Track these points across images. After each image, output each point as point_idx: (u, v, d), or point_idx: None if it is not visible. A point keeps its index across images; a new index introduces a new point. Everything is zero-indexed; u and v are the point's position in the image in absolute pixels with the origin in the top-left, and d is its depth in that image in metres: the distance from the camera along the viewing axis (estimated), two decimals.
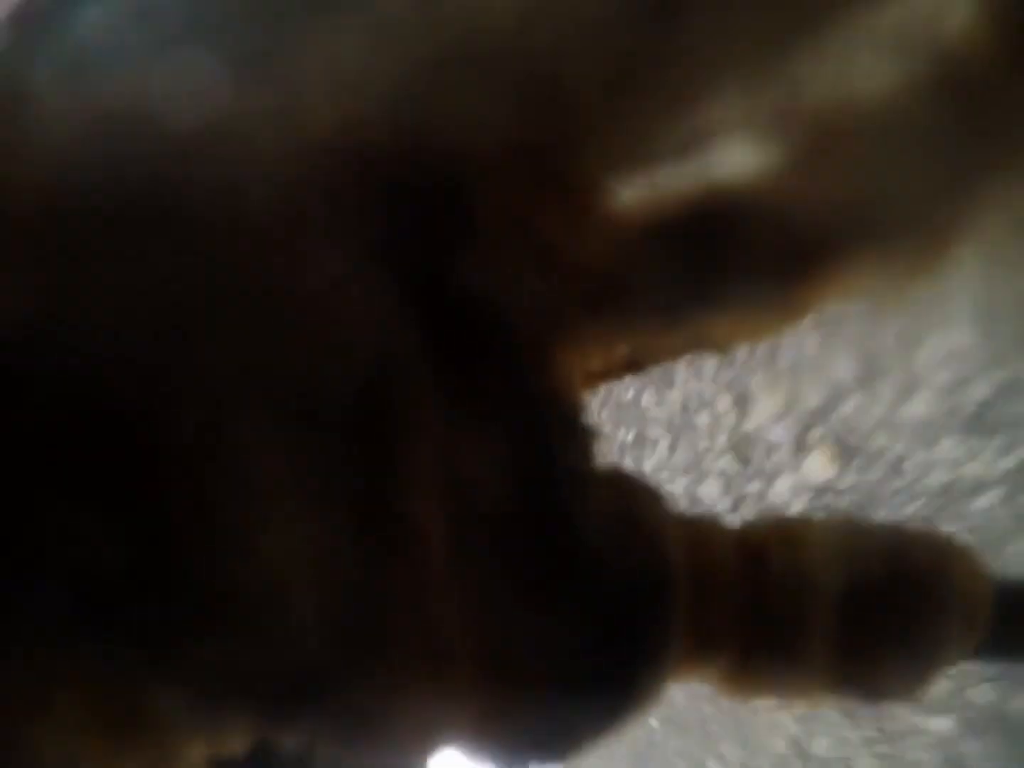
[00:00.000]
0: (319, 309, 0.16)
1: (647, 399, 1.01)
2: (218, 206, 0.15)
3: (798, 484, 0.85)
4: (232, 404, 0.15)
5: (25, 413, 0.14)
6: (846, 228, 0.19)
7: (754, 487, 0.90)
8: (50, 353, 0.14)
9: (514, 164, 0.17)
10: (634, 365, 0.20)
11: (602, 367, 0.20)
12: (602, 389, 0.20)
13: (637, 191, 0.18)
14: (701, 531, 0.21)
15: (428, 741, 0.18)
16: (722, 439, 0.91)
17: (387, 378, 0.16)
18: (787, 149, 0.19)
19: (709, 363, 0.87)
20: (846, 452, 0.79)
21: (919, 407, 0.72)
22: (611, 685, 0.19)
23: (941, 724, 0.78)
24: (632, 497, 0.20)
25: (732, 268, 0.19)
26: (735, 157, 0.18)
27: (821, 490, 0.83)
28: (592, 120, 0.17)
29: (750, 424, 0.87)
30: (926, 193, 0.19)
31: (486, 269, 0.17)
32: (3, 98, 0.16)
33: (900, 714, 0.83)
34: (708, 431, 0.93)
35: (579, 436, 0.19)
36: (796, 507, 0.85)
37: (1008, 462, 0.69)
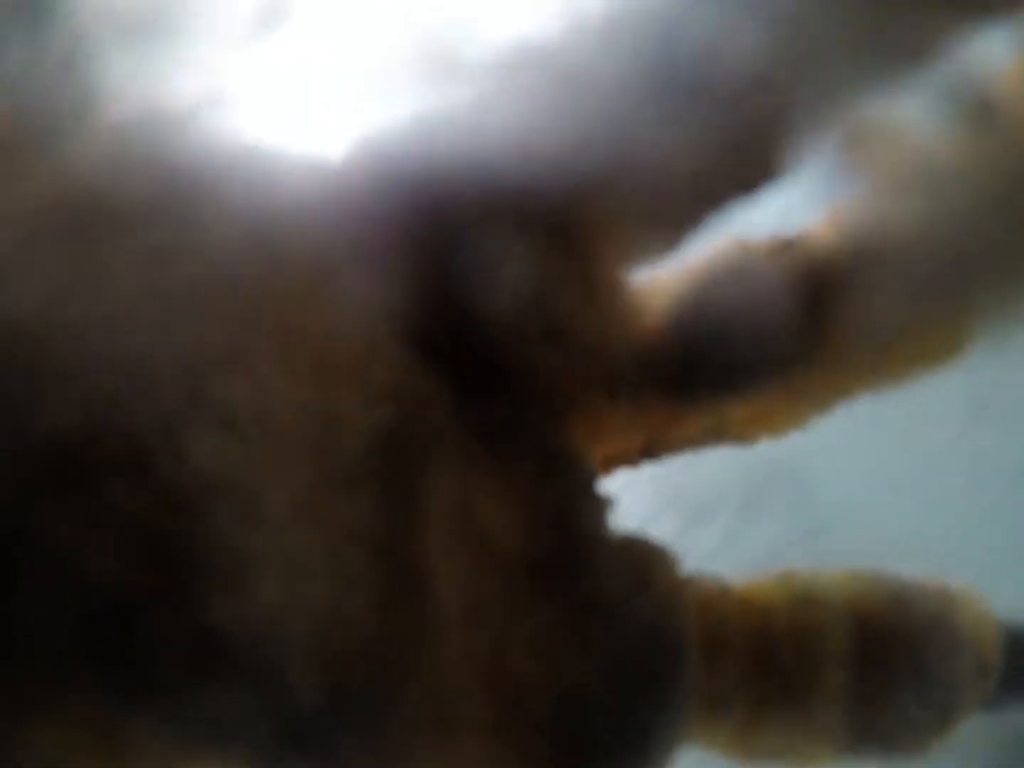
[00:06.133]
0: (342, 350, 0.16)
1: None
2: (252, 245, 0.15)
3: None
4: (248, 433, 0.15)
5: (36, 418, 0.13)
6: (887, 285, 0.19)
7: None
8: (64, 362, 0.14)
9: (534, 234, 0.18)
10: (650, 452, 0.20)
11: (619, 452, 0.20)
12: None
13: (654, 275, 0.18)
14: (709, 592, 0.21)
15: None
16: None
17: (407, 422, 0.16)
18: (857, 183, 0.19)
19: None
20: None
21: None
22: (626, 745, 0.19)
23: None
24: (646, 563, 0.20)
25: (743, 349, 0.19)
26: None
27: None
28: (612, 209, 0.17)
29: None
30: (972, 254, 0.19)
31: (504, 332, 0.18)
32: None
33: None
34: None
35: (594, 500, 0.19)
36: None
37: None
